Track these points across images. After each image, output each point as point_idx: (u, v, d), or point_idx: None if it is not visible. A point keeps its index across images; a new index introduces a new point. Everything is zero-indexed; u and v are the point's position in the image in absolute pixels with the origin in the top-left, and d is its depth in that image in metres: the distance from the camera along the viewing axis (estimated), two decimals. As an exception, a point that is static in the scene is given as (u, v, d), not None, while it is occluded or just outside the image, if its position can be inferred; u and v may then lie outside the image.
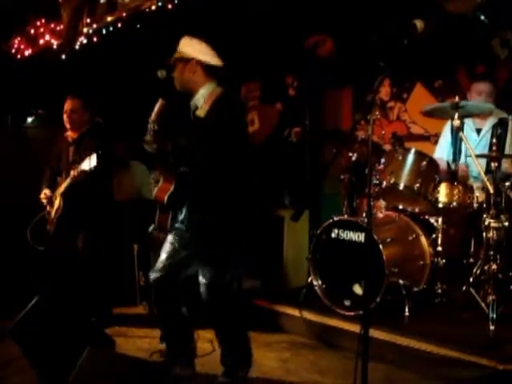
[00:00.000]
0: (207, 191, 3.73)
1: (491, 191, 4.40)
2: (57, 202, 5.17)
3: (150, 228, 3.97)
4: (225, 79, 3.94)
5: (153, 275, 3.93)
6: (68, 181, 5.02)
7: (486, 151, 4.95)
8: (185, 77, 3.85)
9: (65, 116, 5.29)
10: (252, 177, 3.92)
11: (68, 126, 5.31)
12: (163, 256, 3.93)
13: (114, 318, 5.32)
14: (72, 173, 4.91)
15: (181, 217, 3.86)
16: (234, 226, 3.79)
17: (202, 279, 3.80)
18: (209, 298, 3.80)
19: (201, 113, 3.80)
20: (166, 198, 3.74)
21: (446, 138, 5.34)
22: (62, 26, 7.32)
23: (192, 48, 3.86)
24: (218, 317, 3.88)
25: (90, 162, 4.63)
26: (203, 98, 3.81)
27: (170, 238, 3.93)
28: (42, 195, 5.28)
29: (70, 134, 5.33)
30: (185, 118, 3.89)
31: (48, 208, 5.27)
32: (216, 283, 3.78)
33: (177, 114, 3.89)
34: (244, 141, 3.89)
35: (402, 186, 4.74)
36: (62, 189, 5.12)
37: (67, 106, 5.29)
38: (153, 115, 3.78)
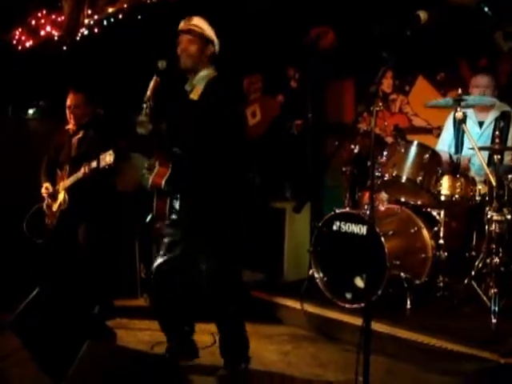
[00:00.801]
0: (200, 176, 3.72)
1: (494, 184, 4.39)
2: (61, 196, 5.14)
3: (148, 217, 3.96)
4: (227, 71, 3.93)
5: (153, 269, 3.95)
6: (76, 176, 4.98)
7: (488, 144, 4.93)
8: (201, 56, 3.84)
9: (68, 111, 5.25)
10: (248, 164, 3.90)
11: (72, 121, 5.26)
12: (162, 250, 3.95)
13: (115, 310, 5.31)
14: (83, 169, 4.89)
15: (176, 206, 3.84)
16: (225, 209, 3.79)
17: (202, 266, 3.80)
18: (209, 284, 3.80)
19: (194, 96, 3.80)
20: (163, 183, 3.72)
21: (448, 130, 5.32)
22: (63, 17, 7.31)
23: (211, 31, 3.89)
24: (219, 305, 3.87)
25: (104, 160, 4.63)
26: (204, 80, 3.82)
27: (167, 230, 3.94)
28: (44, 190, 5.24)
29: (72, 127, 5.30)
30: (179, 99, 3.87)
31: (48, 201, 5.24)
32: (215, 269, 3.79)
33: (170, 94, 3.86)
34: (238, 125, 3.87)
35: (404, 179, 4.71)
36: (67, 183, 5.09)
37: (70, 101, 5.24)
38: (148, 92, 3.74)
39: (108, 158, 4.64)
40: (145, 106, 3.72)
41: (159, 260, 3.95)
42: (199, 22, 3.89)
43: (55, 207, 5.17)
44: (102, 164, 4.65)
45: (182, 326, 4.11)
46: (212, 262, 3.80)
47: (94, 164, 4.76)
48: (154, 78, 3.77)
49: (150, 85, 3.76)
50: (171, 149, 3.76)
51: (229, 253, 3.87)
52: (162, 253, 3.96)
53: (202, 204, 3.75)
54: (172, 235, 3.91)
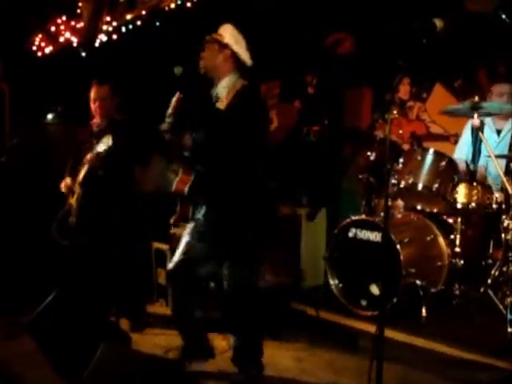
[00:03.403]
0: (222, 184, 3.76)
1: (510, 192, 4.35)
2: (77, 191, 5.00)
3: (172, 219, 4.01)
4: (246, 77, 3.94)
5: (170, 267, 3.99)
6: (85, 167, 4.85)
7: (506, 152, 4.90)
8: (216, 61, 3.85)
9: (93, 105, 5.01)
10: (266, 175, 3.92)
11: (97, 115, 5.02)
12: (181, 248, 3.97)
13: (147, 314, 5.33)
14: (87, 157, 4.78)
15: (201, 211, 3.87)
16: (247, 215, 3.81)
17: (226, 275, 3.83)
18: (229, 287, 3.82)
19: (221, 105, 3.80)
20: (186, 189, 3.77)
21: (465, 138, 5.29)
22: (82, 24, 7.39)
23: (231, 36, 3.88)
24: (235, 309, 3.89)
25: (104, 144, 4.53)
26: (226, 89, 3.82)
27: (188, 229, 3.97)
28: (62, 184, 5.09)
29: (97, 121, 5.05)
30: (206, 108, 3.86)
31: (70, 198, 5.10)
32: (241, 279, 3.82)
33: (196, 107, 3.85)
34: (262, 139, 3.89)
35: (420, 187, 4.69)
36: (80, 177, 4.94)
37: (94, 94, 5.00)
38: (170, 109, 3.76)
39: (108, 141, 4.54)
40: (166, 120, 3.74)
41: (175, 259, 3.96)
42: (222, 29, 3.92)
43: (74, 203, 5.03)
44: (101, 149, 4.55)
45: (198, 326, 4.10)
46: (233, 266, 3.82)
47: (96, 149, 4.63)
48: (177, 94, 3.77)
49: (172, 102, 3.77)
50: (195, 164, 3.79)
51: (249, 257, 3.89)
52: (179, 251, 3.97)
53: (226, 210, 3.78)
54: (190, 235, 3.93)
